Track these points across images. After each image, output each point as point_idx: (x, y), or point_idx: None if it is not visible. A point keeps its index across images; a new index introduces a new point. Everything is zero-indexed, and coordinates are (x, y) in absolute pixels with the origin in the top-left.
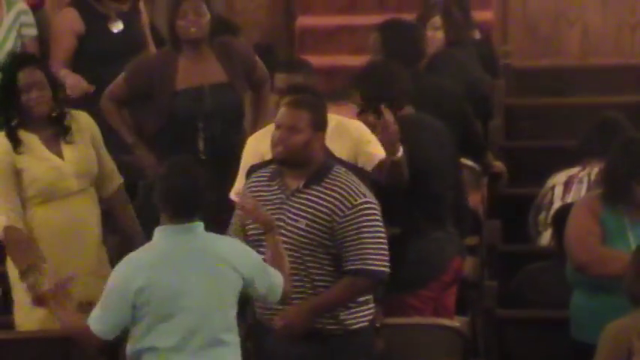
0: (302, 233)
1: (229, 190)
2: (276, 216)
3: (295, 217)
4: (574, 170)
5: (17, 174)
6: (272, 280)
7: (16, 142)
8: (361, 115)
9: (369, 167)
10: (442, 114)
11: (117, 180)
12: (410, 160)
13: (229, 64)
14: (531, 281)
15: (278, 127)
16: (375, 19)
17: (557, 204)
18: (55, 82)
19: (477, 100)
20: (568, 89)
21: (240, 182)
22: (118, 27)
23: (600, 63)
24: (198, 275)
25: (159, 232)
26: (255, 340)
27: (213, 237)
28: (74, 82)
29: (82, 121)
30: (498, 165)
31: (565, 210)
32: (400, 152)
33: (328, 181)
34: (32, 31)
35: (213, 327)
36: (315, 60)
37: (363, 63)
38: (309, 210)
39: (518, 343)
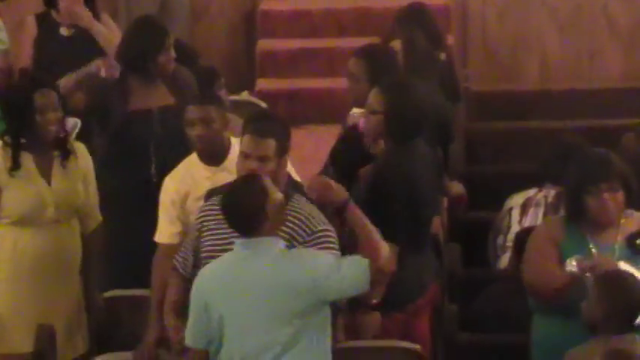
0: None
1: None
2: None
3: None
4: (531, 192)
5: None
6: (342, 279)
7: (15, 164)
8: None
9: None
10: None
11: (94, 220)
12: (401, 187)
13: (175, 88)
14: (492, 304)
15: (247, 156)
16: (335, 42)
17: (514, 227)
18: (64, 105)
19: (438, 127)
20: (527, 114)
21: (162, 225)
22: (68, 32)
23: (559, 88)
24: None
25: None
26: None
27: (283, 254)
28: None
29: (80, 151)
30: (457, 187)
31: (526, 233)
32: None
33: (289, 207)
34: (2, 47)
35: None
36: (276, 84)
37: (328, 87)
38: None
39: None
